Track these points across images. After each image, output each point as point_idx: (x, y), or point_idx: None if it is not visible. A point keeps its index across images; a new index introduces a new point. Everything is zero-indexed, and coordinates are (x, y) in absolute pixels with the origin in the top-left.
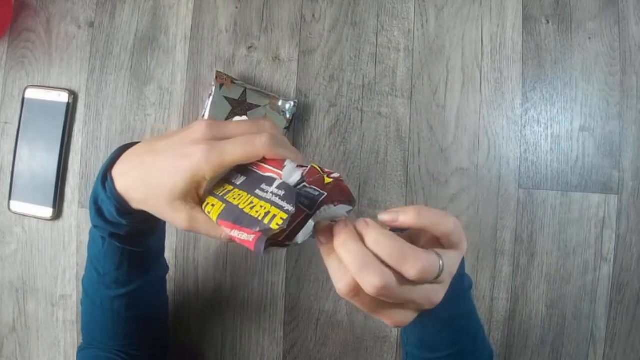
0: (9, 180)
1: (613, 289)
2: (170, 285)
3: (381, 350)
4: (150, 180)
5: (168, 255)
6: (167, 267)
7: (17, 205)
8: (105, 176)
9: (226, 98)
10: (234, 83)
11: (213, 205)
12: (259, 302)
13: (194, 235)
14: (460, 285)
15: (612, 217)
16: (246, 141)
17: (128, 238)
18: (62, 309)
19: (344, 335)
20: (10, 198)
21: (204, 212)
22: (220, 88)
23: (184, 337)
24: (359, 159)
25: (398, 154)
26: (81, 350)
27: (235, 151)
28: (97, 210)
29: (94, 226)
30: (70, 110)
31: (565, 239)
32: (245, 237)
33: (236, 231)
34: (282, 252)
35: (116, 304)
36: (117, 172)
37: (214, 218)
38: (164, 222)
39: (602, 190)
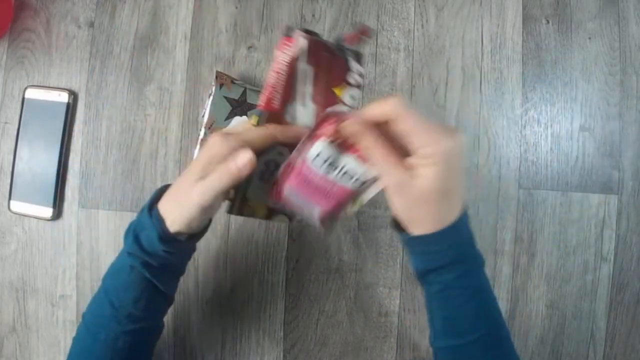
0: (9, 180)
1: (613, 289)
2: None
3: (381, 350)
4: (176, 188)
5: None
6: (163, 325)
7: (17, 205)
8: (152, 207)
9: (226, 98)
10: (234, 83)
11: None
12: (259, 302)
13: None
14: (472, 255)
15: (612, 217)
16: (224, 170)
17: (158, 270)
18: (62, 309)
19: (344, 335)
20: (10, 198)
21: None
22: (220, 88)
23: (184, 337)
24: None
25: None
26: None
27: (220, 182)
28: (135, 238)
29: (128, 254)
30: (70, 110)
31: (565, 239)
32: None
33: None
34: (282, 253)
35: (120, 342)
36: (160, 203)
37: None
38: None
39: (602, 190)
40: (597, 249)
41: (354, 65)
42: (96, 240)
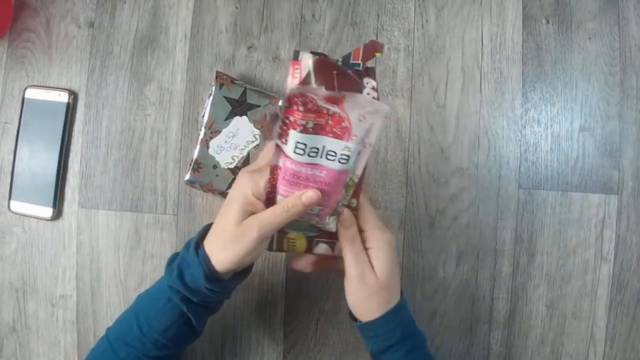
0: (9, 180)
1: (613, 289)
2: None
3: None
4: (221, 228)
5: (168, 255)
6: (182, 354)
7: (17, 205)
8: (198, 244)
9: (226, 98)
10: (234, 83)
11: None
12: (259, 302)
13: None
14: (415, 334)
15: (612, 217)
16: (290, 204)
17: (197, 306)
18: (62, 309)
19: (344, 335)
20: (10, 198)
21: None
22: (220, 88)
23: None
24: None
25: (398, 154)
26: None
27: (286, 215)
28: (179, 274)
29: (169, 287)
30: (70, 110)
31: (565, 239)
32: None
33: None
34: (282, 253)
35: None
36: (206, 242)
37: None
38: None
39: (602, 190)
40: (597, 249)
41: (366, 80)
42: (96, 240)
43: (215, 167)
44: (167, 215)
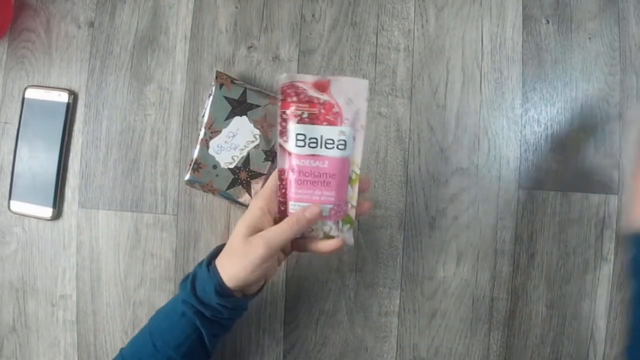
0: (9, 180)
1: (613, 289)
2: (170, 286)
3: (381, 351)
4: (229, 246)
5: (168, 255)
6: None
7: (17, 205)
8: (210, 261)
9: (226, 98)
10: (234, 83)
11: None
12: (259, 302)
13: (194, 235)
14: None
15: (612, 217)
16: (294, 220)
17: (209, 321)
18: (62, 309)
19: (344, 335)
20: (10, 198)
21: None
22: (220, 88)
23: None
24: None
25: (398, 154)
26: None
27: (290, 231)
28: (192, 288)
29: (183, 301)
30: (70, 110)
31: (565, 239)
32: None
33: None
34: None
35: None
36: (217, 260)
37: None
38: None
39: (602, 190)
40: (597, 249)
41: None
42: (96, 240)
43: (215, 167)
44: (167, 215)
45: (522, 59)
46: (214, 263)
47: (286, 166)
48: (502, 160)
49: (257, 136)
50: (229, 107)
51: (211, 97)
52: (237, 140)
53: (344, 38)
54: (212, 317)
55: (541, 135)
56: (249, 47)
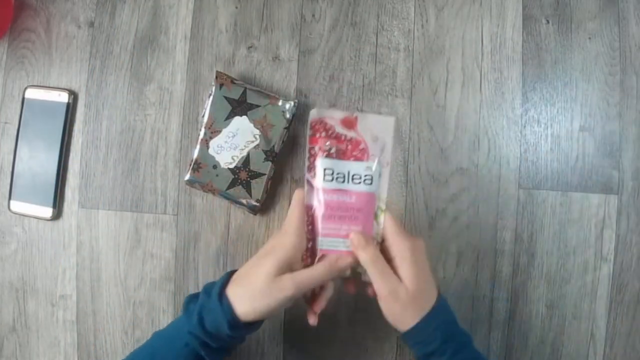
0: (9, 180)
1: (613, 289)
2: (170, 286)
3: (381, 351)
4: (250, 279)
5: (168, 255)
6: None
7: (17, 205)
8: (221, 292)
9: (226, 98)
10: (234, 83)
11: None
12: None
13: (194, 235)
14: (459, 333)
15: (612, 217)
16: (327, 266)
17: (215, 350)
18: (62, 309)
19: (344, 335)
20: (10, 198)
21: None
22: (220, 88)
23: None
24: None
25: (398, 153)
26: None
27: (323, 276)
28: (200, 320)
29: (189, 332)
30: (70, 110)
31: (565, 239)
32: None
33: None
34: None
35: None
36: (230, 291)
37: None
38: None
39: (602, 190)
40: (597, 249)
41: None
42: (96, 240)
43: (215, 167)
44: (167, 215)
45: (522, 59)
46: (226, 294)
47: (314, 202)
48: (502, 160)
49: (257, 136)
50: (229, 107)
51: (211, 97)
52: (237, 140)
53: (344, 38)
54: (219, 347)
55: (541, 135)
56: (249, 47)
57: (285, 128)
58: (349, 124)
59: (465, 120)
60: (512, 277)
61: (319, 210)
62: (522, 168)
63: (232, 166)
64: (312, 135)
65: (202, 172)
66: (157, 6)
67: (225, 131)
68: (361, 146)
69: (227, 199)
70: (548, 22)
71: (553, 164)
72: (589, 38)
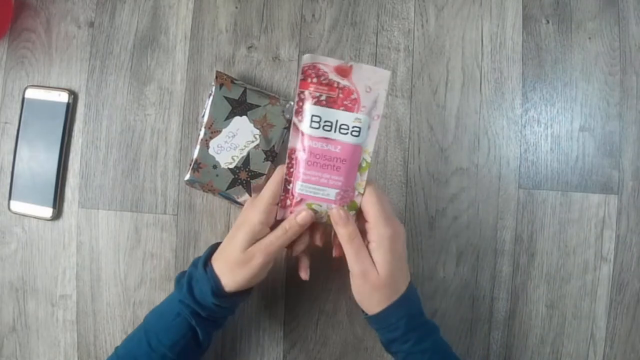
0: (9, 180)
1: (613, 289)
2: (170, 286)
3: (381, 350)
4: (226, 252)
5: (168, 255)
6: None
7: (17, 205)
8: (206, 263)
9: (226, 98)
10: (234, 83)
11: None
12: (259, 302)
13: (194, 235)
14: (423, 323)
15: (612, 217)
16: (287, 227)
17: (204, 320)
18: (62, 309)
19: (344, 335)
20: (10, 198)
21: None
22: (220, 88)
23: None
24: None
25: (398, 153)
26: None
27: (285, 238)
28: (189, 288)
29: (180, 301)
30: (70, 110)
31: (565, 239)
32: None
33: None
34: (282, 253)
35: None
36: (214, 263)
37: None
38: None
39: (602, 190)
40: (597, 249)
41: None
42: (96, 240)
43: (215, 167)
44: (167, 215)
45: (522, 59)
46: (211, 264)
47: (297, 145)
48: (502, 160)
49: (257, 136)
50: (229, 107)
51: (211, 97)
52: (237, 140)
53: (344, 38)
54: (207, 316)
55: (541, 135)
56: (249, 47)
57: (285, 128)
58: (343, 72)
59: (465, 120)
60: (512, 277)
61: (302, 155)
62: (522, 168)
63: (232, 166)
64: (303, 80)
65: (202, 172)
66: (157, 6)
67: (225, 131)
68: (353, 96)
69: (227, 199)
70: (548, 22)
71: (553, 164)
72: (589, 38)
